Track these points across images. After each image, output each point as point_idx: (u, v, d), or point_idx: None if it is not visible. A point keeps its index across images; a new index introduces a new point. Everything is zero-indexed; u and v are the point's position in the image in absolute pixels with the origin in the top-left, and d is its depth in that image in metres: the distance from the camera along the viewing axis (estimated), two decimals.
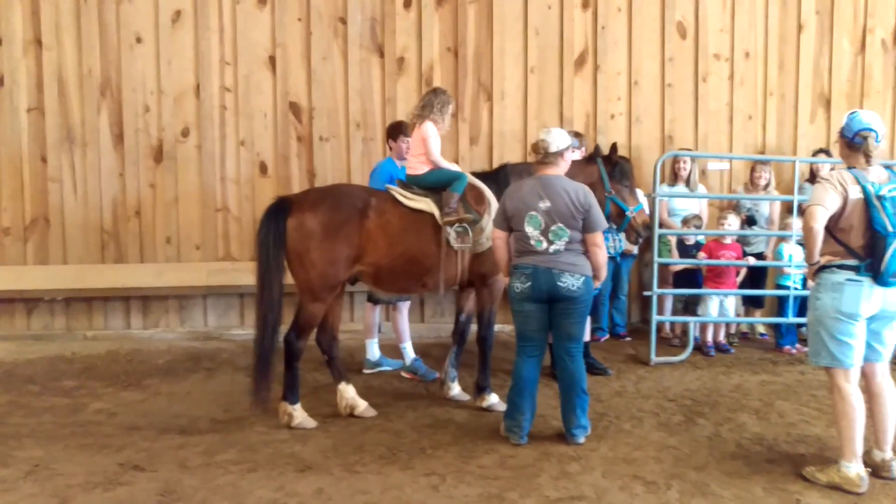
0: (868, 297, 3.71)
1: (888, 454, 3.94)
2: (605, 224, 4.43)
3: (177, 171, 7.27)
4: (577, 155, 5.60)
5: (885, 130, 4.03)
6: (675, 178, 7.21)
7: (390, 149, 6.10)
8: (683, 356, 6.41)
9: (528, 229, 4.29)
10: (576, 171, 5.25)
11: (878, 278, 3.66)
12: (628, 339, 7.20)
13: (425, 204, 4.97)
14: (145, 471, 4.00)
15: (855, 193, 3.71)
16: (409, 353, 6.02)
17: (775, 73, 7.86)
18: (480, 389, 5.12)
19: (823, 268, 3.84)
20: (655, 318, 6.48)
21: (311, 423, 4.72)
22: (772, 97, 7.86)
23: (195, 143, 7.27)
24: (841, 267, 3.77)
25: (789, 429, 4.72)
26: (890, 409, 3.93)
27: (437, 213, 4.92)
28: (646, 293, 6.81)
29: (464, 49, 7.50)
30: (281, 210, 4.79)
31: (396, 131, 5.99)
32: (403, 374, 5.99)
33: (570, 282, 4.24)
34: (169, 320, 7.38)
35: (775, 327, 7.11)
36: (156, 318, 7.36)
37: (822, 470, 3.88)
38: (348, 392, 4.95)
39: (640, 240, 5.70)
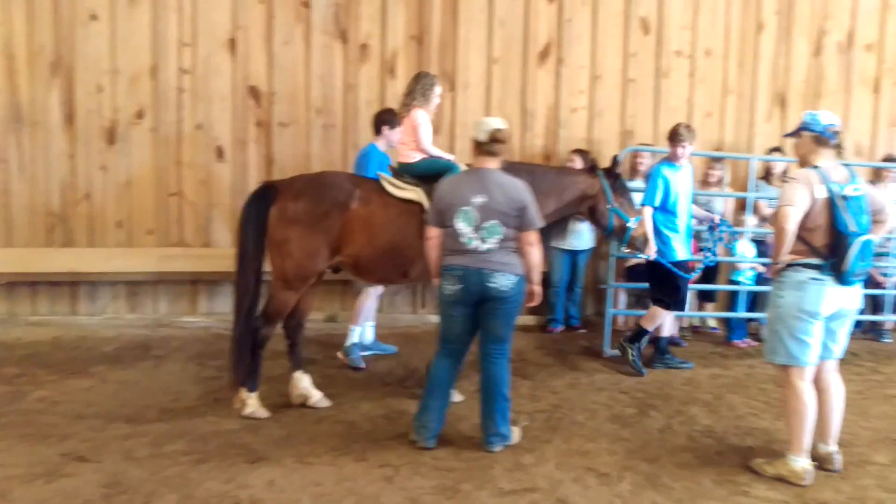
0: (829, 296, 3.76)
1: (832, 448, 4.04)
2: (540, 223, 4.19)
3: (130, 154, 7.07)
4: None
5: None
6: (634, 172, 7.26)
7: (379, 135, 6.01)
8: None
9: (460, 226, 4.06)
10: (577, 181, 5.38)
11: (840, 277, 3.72)
12: (583, 331, 7.26)
13: (415, 194, 4.90)
14: (89, 462, 3.89)
15: (821, 193, 3.74)
16: (355, 337, 5.96)
17: (734, 72, 7.96)
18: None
19: (787, 266, 3.88)
20: (611, 311, 6.53)
21: (263, 413, 4.64)
22: (730, 95, 7.96)
23: (150, 125, 7.08)
24: (804, 266, 3.81)
25: (738, 421, 4.80)
26: (836, 406, 4.02)
27: (426, 203, 4.80)
28: (601, 286, 6.86)
29: (428, 37, 7.43)
30: (265, 196, 4.72)
31: (387, 120, 5.92)
32: (338, 355, 5.94)
33: (502, 282, 4.02)
34: (118, 307, 7.19)
35: (726, 321, 7.23)
36: (104, 305, 7.17)
37: (770, 462, 3.95)
38: (303, 381, 4.88)
39: (639, 252, 5.58)
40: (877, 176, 7.53)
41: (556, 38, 7.63)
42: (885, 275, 7.18)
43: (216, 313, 7.21)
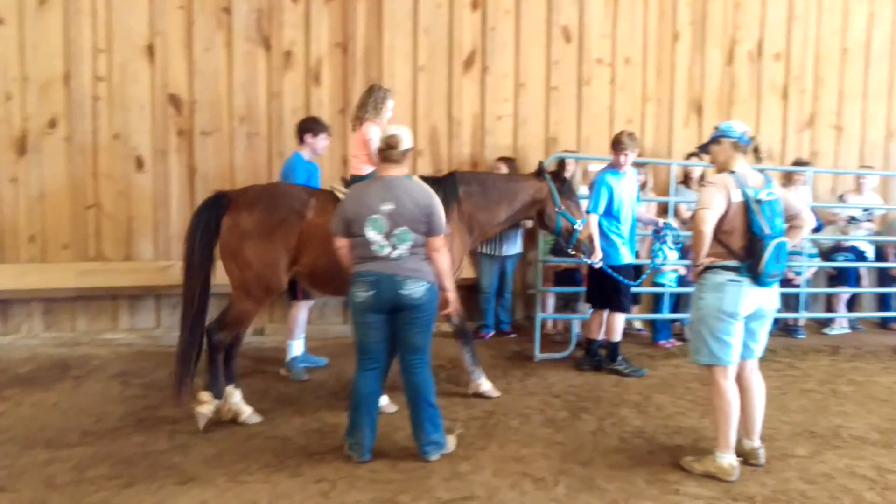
0: (747, 297, 3.90)
1: (756, 443, 4.19)
2: (446, 229, 4.19)
3: (43, 165, 6.75)
4: None
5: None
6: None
7: (302, 144, 5.94)
8: (566, 352, 6.58)
9: (371, 234, 4.01)
10: (526, 186, 5.53)
11: (757, 279, 3.86)
12: (513, 335, 7.33)
13: None
14: (6, 491, 3.69)
15: (737, 197, 3.89)
16: (295, 351, 5.86)
17: (653, 79, 8.20)
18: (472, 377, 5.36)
19: (707, 269, 4.01)
20: (540, 315, 6.62)
21: (202, 420, 4.55)
22: (650, 102, 8.20)
23: (64, 134, 6.79)
24: (723, 268, 3.94)
25: (667, 421, 4.93)
26: (758, 402, 4.18)
27: None
28: (530, 291, 6.94)
29: (353, 45, 7.39)
30: (217, 205, 4.66)
31: (309, 128, 5.84)
32: (282, 371, 5.85)
33: (414, 289, 3.99)
34: (32, 325, 6.86)
35: (651, 323, 7.43)
36: (17, 323, 6.81)
37: (699, 460, 4.07)
38: (234, 397, 4.77)
39: (584, 254, 5.64)
40: (787, 179, 7.88)
41: (481, 47, 7.70)
42: (797, 273, 7.51)
43: (139, 329, 6.97)
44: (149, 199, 6.96)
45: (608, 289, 5.95)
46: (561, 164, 5.54)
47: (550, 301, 7.29)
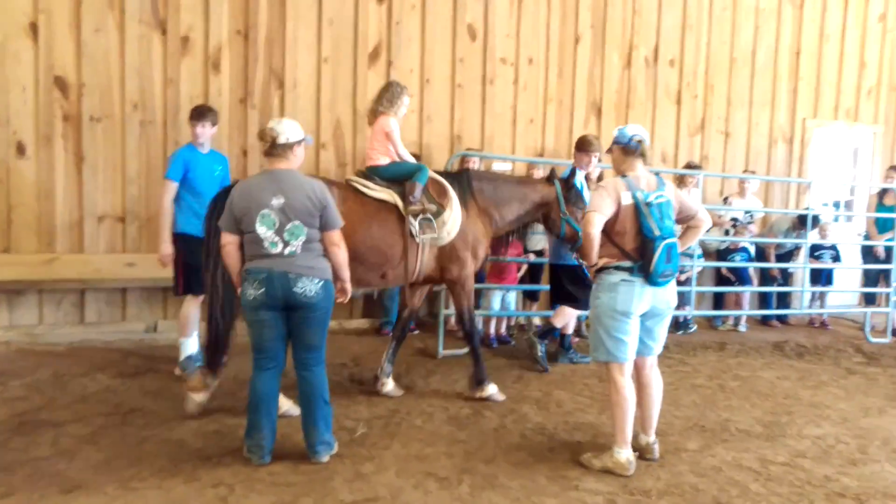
0: (640, 296, 4.03)
1: (652, 438, 4.34)
2: (341, 222, 4.09)
3: None
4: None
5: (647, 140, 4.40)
6: None
7: (192, 132, 5.70)
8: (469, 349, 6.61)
9: (261, 230, 3.90)
10: (537, 190, 5.70)
11: (649, 279, 4.00)
12: (416, 332, 7.33)
13: (388, 194, 5.01)
14: None
15: (627, 199, 4.02)
16: (189, 349, 5.65)
17: (555, 80, 8.37)
18: (479, 382, 5.32)
19: (603, 269, 4.13)
20: (443, 311, 6.64)
21: (192, 405, 4.65)
22: (551, 103, 8.36)
23: None
24: (617, 268, 4.07)
25: (567, 417, 5.04)
26: (655, 399, 4.32)
27: (400, 203, 5.01)
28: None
29: (255, 33, 7.17)
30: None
31: (199, 115, 5.63)
32: (176, 371, 5.64)
33: (308, 287, 3.90)
34: None
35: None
36: None
37: (597, 456, 4.17)
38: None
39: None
40: (680, 182, 8.21)
41: (386, 41, 7.64)
42: (682, 271, 7.83)
43: (18, 326, 6.54)
44: (31, 187, 6.53)
45: (577, 286, 6.11)
46: (572, 171, 5.77)
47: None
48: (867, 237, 8.90)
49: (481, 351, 5.42)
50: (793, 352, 7.36)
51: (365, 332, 7.22)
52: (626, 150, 4.19)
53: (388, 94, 5.26)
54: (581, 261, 5.64)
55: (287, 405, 4.70)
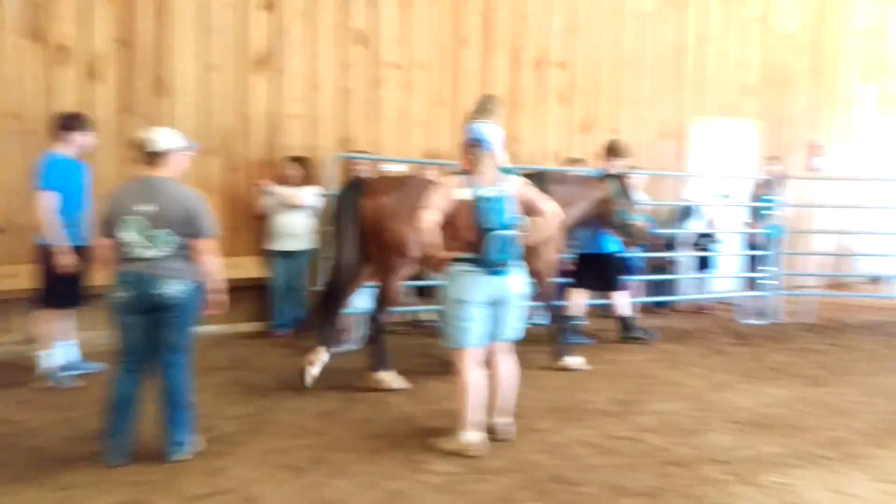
0: (480, 285, 4.26)
1: (503, 420, 4.57)
2: (214, 231, 4.25)
3: None
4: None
5: (501, 139, 4.62)
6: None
7: (62, 141, 5.69)
8: (354, 345, 6.76)
9: (130, 235, 4.00)
10: (598, 188, 6.64)
11: (486, 268, 4.23)
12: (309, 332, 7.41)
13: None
14: None
15: (464, 195, 4.24)
16: (60, 358, 5.64)
17: (445, 84, 8.60)
18: (558, 354, 6.32)
19: (449, 261, 4.35)
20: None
21: (308, 377, 5.44)
22: (442, 105, 8.58)
23: None
24: (460, 260, 4.30)
25: (434, 405, 5.23)
26: (507, 383, 4.56)
27: None
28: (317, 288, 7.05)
29: (137, 41, 7.16)
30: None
31: (82, 124, 5.67)
32: (45, 382, 5.60)
33: (173, 288, 4.02)
34: None
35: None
36: None
37: (447, 439, 4.38)
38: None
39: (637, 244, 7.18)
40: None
41: (273, 47, 7.73)
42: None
43: None
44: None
45: (606, 272, 7.19)
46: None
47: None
48: (748, 226, 9.38)
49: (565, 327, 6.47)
50: (670, 336, 7.68)
51: (255, 335, 7.31)
52: (469, 147, 4.42)
53: (489, 104, 5.34)
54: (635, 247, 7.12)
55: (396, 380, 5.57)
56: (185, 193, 4.15)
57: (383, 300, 5.68)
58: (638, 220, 6.75)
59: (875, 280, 11.15)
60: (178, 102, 7.35)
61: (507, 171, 5.55)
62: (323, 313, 5.64)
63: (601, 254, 7.18)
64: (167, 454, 4.13)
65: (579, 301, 7.31)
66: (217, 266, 4.26)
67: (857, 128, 11.71)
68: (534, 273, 5.93)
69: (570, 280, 7.38)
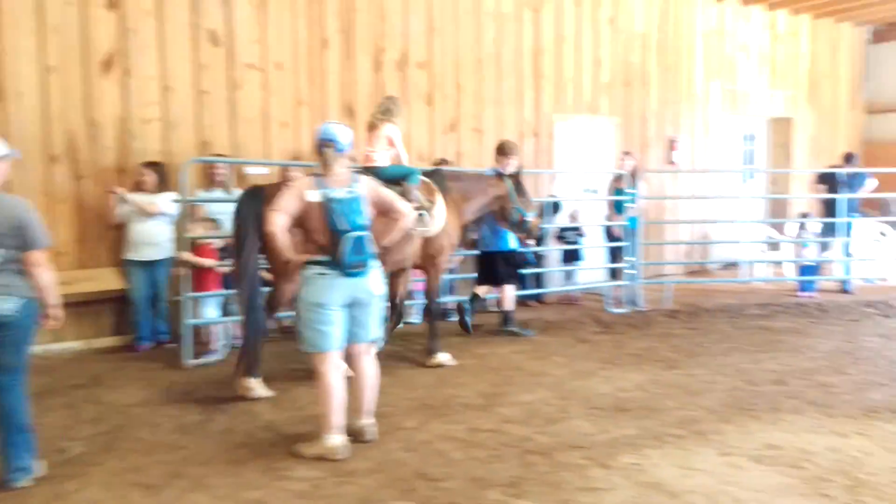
0: (336, 288, 4.22)
1: (365, 421, 4.56)
2: (45, 242, 3.98)
3: None
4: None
5: (350, 140, 4.57)
6: (210, 182, 7.36)
7: None
8: (219, 356, 6.57)
9: None
10: (493, 184, 6.88)
11: (341, 271, 4.19)
12: (173, 345, 7.12)
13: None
14: None
15: (314, 197, 4.19)
16: None
17: (306, 84, 8.47)
18: (430, 352, 6.35)
19: (305, 264, 4.28)
20: (190, 321, 6.49)
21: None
22: (303, 106, 8.46)
23: None
24: (313, 263, 4.24)
25: (299, 412, 5.15)
26: (368, 383, 4.54)
27: None
28: (175, 298, 6.81)
29: None
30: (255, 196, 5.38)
31: None
32: None
33: (6, 307, 3.79)
34: None
35: None
36: None
37: (310, 444, 4.32)
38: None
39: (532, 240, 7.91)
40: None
41: (120, 48, 7.37)
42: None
43: None
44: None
45: (510, 266, 7.59)
46: (520, 167, 7.16)
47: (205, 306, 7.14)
48: (608, 218, 9.80)
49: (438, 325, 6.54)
50: (538, 327, 7.90)
51: (115, 350, 6.94)
52: (321, 148, 4.38)
53: (390, 104, 6.13)
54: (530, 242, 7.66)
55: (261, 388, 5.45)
56: (11, 203, 3.88)
57: (272, 305, 5.76)
58: (532, 217, 7.04)
59: (730, 265, 11.89)
60: (15, 106, 6.87)
61: (407, 170, 6.11)
62: (252, 333, 5.51)
63: (501, 251, 7.53)
64: (9, 481, 3.87)
65: (511, 294, 7.64)
66: (51, 279, 4.00)
67: (705, 123, 12.46)
68: (431, 268, 6.35)
69: (473, 276, 7.91)
